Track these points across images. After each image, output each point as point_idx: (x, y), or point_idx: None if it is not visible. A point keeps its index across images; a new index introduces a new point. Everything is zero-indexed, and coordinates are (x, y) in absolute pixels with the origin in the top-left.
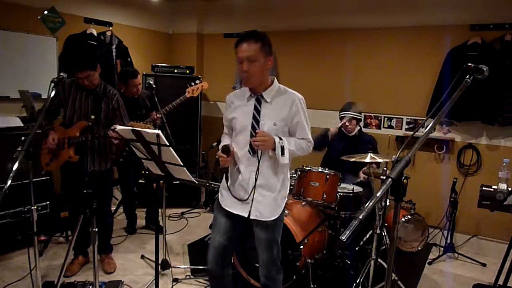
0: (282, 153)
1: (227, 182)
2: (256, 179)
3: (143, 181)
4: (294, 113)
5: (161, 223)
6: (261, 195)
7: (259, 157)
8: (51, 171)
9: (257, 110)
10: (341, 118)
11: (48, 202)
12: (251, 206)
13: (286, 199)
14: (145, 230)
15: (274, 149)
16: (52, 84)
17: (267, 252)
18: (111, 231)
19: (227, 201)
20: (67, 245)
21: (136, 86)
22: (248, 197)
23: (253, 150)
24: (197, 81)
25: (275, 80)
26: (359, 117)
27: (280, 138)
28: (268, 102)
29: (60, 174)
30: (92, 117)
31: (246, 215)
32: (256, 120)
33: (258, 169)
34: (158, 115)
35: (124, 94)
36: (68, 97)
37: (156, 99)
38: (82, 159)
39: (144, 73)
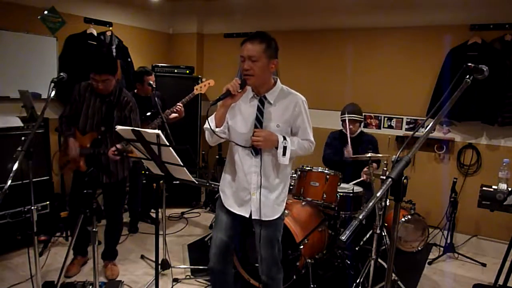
0: (284, 154)
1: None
2: (257, 180)
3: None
4: (297, 114)
5: (161, 223)
6: (262, 195)
7: (261, 158)
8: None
9: (260, 111)
10: (343, 121)
11: (48, 202)
12: (252, 206)
13: (286, 199)
14: (145, 229)
15: (277, 147)
16: (52, 84)
17: (268, 249)
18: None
19: (229, 201)
20: (67, 245)
21: (150, 84)
22: (250, 197)
23: (255, 151)
24: (203, 79)
25: (278, 81)
26: (361, 119)
27: (284, 138)
28: (272, 104)
29: (72, 176)
30: (102, 128)
31: (247, 215)
32: (259, 121)
33: (260, 169)
34: (180, 105)
35: (138, 94)
36: (83, 102)
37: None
38: (97, 170)
39: None
